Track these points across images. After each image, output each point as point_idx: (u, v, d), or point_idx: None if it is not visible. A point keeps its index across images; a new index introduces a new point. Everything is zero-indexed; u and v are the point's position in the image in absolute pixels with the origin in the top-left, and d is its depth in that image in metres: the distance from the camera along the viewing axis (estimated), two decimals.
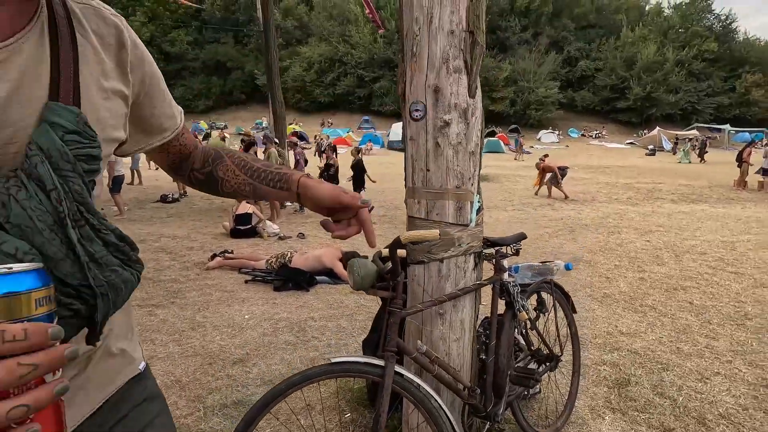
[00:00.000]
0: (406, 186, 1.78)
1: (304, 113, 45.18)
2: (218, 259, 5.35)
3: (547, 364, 2.05)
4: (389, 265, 1.41)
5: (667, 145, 30.46)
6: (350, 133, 33.34)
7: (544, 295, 2.07)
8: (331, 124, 39.90)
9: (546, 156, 11.93)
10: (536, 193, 11.31)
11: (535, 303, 2.07)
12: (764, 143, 17.49)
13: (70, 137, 0.48)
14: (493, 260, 1.86)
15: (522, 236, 1.91)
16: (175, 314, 3.80)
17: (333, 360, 1.33)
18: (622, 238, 6.70)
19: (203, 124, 33.10)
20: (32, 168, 0.45)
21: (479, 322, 1.97)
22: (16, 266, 0.35)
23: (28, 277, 0.36)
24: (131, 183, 12.29)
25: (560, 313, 2.22)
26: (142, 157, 13.07)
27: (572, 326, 2.28)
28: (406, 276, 1.73)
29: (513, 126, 39.87)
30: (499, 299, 1.83)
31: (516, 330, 1.90)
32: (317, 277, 4.72)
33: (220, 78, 48.45)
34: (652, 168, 19.78)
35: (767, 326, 3.35)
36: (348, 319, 3.60)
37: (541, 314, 2.03)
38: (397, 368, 1.36)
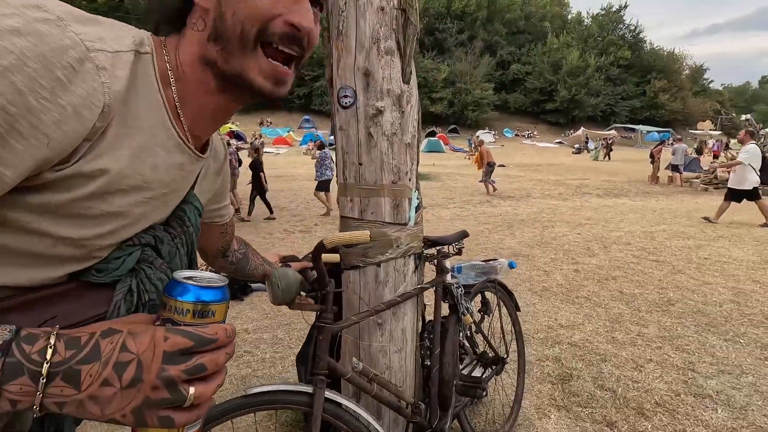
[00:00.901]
0: (338, 182, 1.59)
1: (241, 112, 43.30)
2: None
3: (493, 367, 1.95)
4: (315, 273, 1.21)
5: (591, 144, 32.93)
6: (291, 132, 32.46)
7: (488, 294, 1.98)
8: (270, 123, 38.58)
9: (482, 143, 12.38)
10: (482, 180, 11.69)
11: (479, 304, 1.97)
12: (669, 142, 19.44)
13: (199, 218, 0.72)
14: (435, 261, 1.72)
15: (464, 234, 1.80)
16: None
17: (250, 391, 1.11)
18: (556, 231, 6.99)
19: None
20: (188, 235, 0.68)
21: (423, 325, 1.83)
22: (223, 281, 0.51)
23: (226, 289, 0.50)
24: None
25: (504, 311, 2.15)
26: None
27: (516, 324, 2.22)
28: (339, 284, 1.54)
29: (452, 126, 41.06)
30: (442, 303, 1.70)
31: (461, 334, 1.78)
32: (252, 285, 4.40)
33: None
34: (578, 166, 21.21)
35: (687, 311, 3.56)
36: (285, 329, 3.34)
37: (485, 315, 1.93)
38: (329, 394, 1.16)
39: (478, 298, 1.96)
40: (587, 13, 59.39)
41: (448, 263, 1.74)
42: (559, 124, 48.59)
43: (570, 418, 2.14)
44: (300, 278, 1.21)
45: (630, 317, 3.44)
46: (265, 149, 16.43)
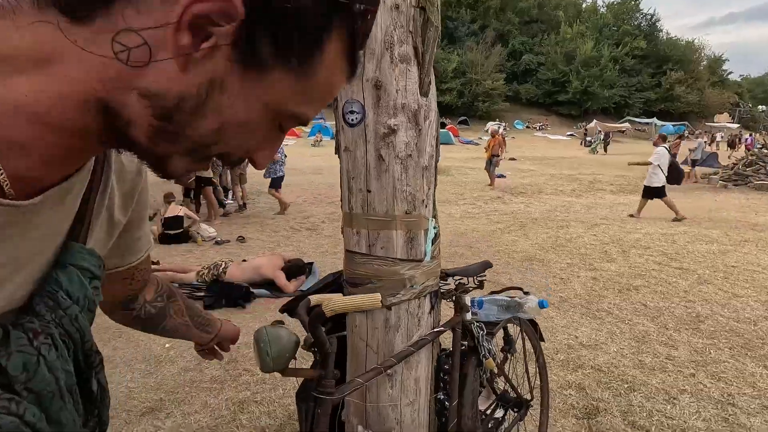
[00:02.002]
0: (342, 210, 1.37)
1: None
2: None
3: (515, 410, 1.74)
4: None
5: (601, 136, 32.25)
6: None
7: (510, 328, 1.76)
8: None
9: (495, 133, 12.10)
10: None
11: (500, 340, 1.75)
12: (686, 135, 18.95)
13: (94, 283, 0.48)
14: (453, 297, 1.50)
15: (486, 265, 1.57)
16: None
17: None
18: (571, 232, 6.72)
19: None
20: (69, 322, 0.44)
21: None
22: None
23: None
24: None
25: (527, 344, 1.93)
26: None
27: (540, 357, 2.00)
28: (342, 327, 1.34)
29: (462, 117, 40.46)
30: (458, 349, 1.48)
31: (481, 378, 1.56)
32: (255, 291, 4.22)
33: None
34: (591, 159, 20.73)
35: (719, 329, 3.31)
36: None
37: (508, 355, 1.72)
38: None
39: (500, 333, 1.74)
40: (602, 2, 57.83)
41: (467, 298, 1.52)
42: (572, 116, 47.67)
43: None
44: (296, 340, 1.00)
45: (657, 336, 3.20)
46: None
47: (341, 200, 1.37)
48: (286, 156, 8.27)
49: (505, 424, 1.69)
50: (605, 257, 5.42)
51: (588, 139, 29.14)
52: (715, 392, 2.46)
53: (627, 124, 36.00)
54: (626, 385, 2.53)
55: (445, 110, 41.47)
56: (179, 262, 5.13)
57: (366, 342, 1.34)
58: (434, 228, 1.37)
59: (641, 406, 2.33)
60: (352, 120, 1.21)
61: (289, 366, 1.00)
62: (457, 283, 1.51)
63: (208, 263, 4.07)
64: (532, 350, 1.94)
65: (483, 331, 1.53)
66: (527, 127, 42.80)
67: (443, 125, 29.71)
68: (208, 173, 7.34)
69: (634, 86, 49.00)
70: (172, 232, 6.24)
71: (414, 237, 1.30)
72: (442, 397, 1.87)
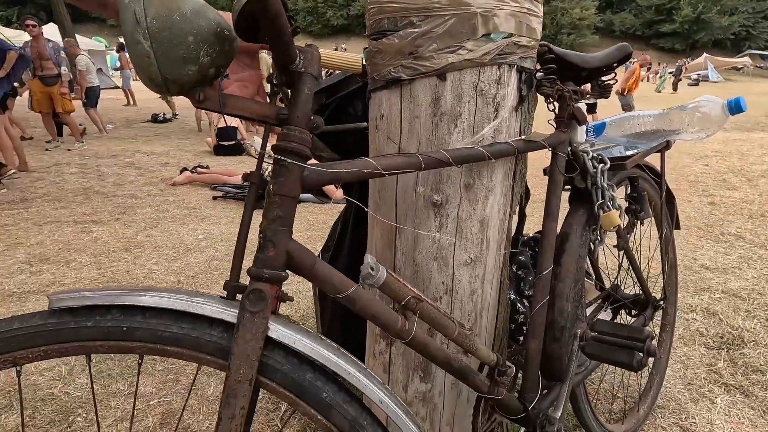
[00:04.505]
0: None
1: (317, 38, 42.15)
2: (187, 173, 4.51)
3: (636, 312, 1.12)
4: None
5: (713, 75, 27.38)
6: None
7: (640, 186, 1.09)
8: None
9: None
10: None
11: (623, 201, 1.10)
12: None
13: None
14: (555, 98, 0.86)
15: (624, 50, 0.89)
16: (113, 232, 3.00)
17: (60, 304, 0.41)
18: (674, 162, 5.56)
19: None
20: None
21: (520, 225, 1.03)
22: None
23: None
24: (126, 104, 11.50)
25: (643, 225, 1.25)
26: (133, 74, 11.98)
27: (670, 249, 1.32)
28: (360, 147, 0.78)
29: None
30: (560, 185, 0.86)
31: (591, 246, 0.94)
32: (302, 196, 3.86)
33: None
34: (695, 97, 17.69)
35: None
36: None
37: (635, 222, 1.06)
38: (277, 326, 0.43)
39: (622, 190, 1.08)
40: None
41: (582, 107, 0.87)
42: (675, 50, 41.04)
43: (753, 408, 1.28)
44: (220, 21, 0.44)
45: None
46: None
47: None
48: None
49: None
50: (724, 185, 4.35)
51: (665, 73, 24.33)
52: None
53: (747, 59, 30.25)
54: None
55: None
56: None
57: (398, 143, 0.76)
58: None
59: None
60: None
61: (209, 85, 0.46)
62: (567, 75, 0.86)
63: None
64: (660, 232, 1.27)
65: (603, 164, 0.89)
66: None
67: None
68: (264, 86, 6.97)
69: (762, 12, 40.58)
70: (225, 143, 6.03)
71: None
72: (513, 297, 1.29)
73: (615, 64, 0.91)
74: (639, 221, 1.05)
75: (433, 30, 0.68)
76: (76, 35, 12.04)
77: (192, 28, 0.41)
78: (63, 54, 6.34)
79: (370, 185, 0.86)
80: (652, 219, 1.24)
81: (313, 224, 3.24)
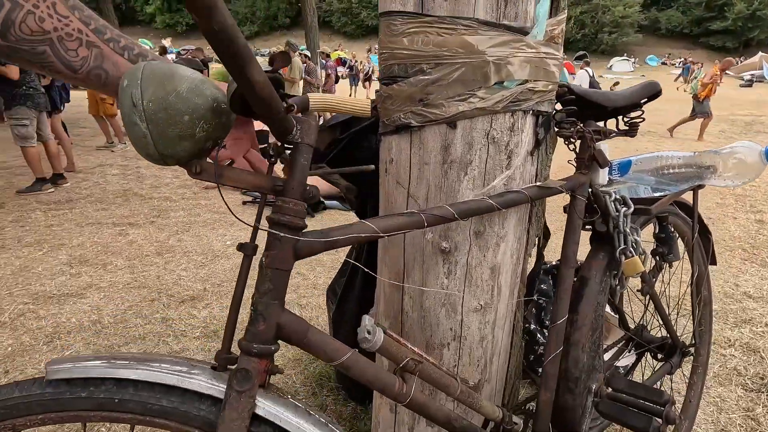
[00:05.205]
0: None
1: (351, 39, 42.49)
2: None
3: (659, 357, 1.06)
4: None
5: (696, 72, 25.24)
6: None
7: (671, 224, 1.02)
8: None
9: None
10: None
11: (648, 242, 1.04)
12: None
13: None
14: (575, 139, 0.82)
15: (653, 88, 0.84)
16: (147, 236, 3.13)
17: (56, 375, 0.42)
18: None
19: None
20: None
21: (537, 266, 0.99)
22: None
23: None
24: None
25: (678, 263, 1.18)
26: None
27: (705, 287, 1.24)
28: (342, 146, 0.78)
29: (580, 52, 35.31)
30: (578, 230, 0.82)
31: (612, 291, 0.90)
32: (327, 202, 3.92)
33: (264, 0, 46.19)
34: (748, 100, 16.61)
35: None
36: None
37: (664, 264, 1.00)
38: (265, 403, 0.43)
39: (649, 229, 1.02)
40: None
41: (605, 148, 0.83)
42: (726, 49, 38.69)
43: None
44: (211, 94, 0.44)
45: None
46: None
47: None
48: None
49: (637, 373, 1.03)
50: None
51: (698, 73, 22.40)
52: None
53: None
54: None
55: None
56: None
57: (407, 188, 0.75)
58: None
59: None
60: None
61: (206, 157, 0.46)
62: (587, 113, 0.82)
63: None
64: (692, 272, 1.19)
65: (626, 208, 0.84)
66: (663, 63, 35.98)
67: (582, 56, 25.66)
68: (296, 91, 7.10)
69: None
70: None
71: None
72: (533, 327, 1.25)
73: (644, 101, 0.86)
74: (667, 262, 0.99)
75: (443, 78, 0.67)
76: None
77: (188, 107, 0.41)
78: None
79: None
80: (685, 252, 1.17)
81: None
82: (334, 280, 1.39)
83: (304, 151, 0.47)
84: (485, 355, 0.83)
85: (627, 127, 0.88)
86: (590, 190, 0.84)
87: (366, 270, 0.73)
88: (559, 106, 0.82)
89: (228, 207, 0.48)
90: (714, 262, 1.24)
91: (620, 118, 0.88)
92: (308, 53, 8.32)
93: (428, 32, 0.66)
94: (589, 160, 0.82)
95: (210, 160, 0.47)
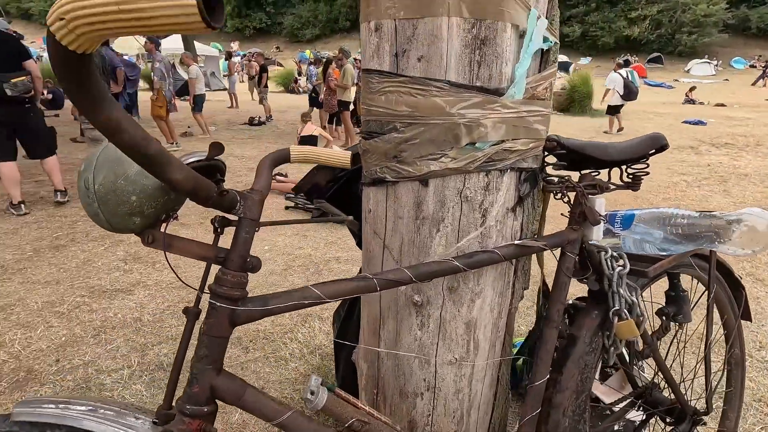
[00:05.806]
0: None
1: (358, 34, 42.57)
2: None
3: (670, 422, 0.98)
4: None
5: None
6: None
7: (680, 283, 0.94)
8: None
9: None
10: None
11: (649, 300, 0.96)
12: None
13: None
14: (564, 193, 0.79)
15: (656, 141, 0.78)
16: (195, 236, 3.35)
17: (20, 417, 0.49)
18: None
19: (308, 53, 32.88)
20: None
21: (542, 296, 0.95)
22: None
23: None
24: (230, 106, 12.65)
25: (706, 314, 1.07)
26: (239, 78, 13.17)
27: (736, 344, 1.13)
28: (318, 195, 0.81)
29: (654, 54, 32.90)
30: (565, 289, 0.78)
31: (606, 352, 0.85)
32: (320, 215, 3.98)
33: (326, 4, 47.59)
34: None
35: None
36: None
37: (672, 325, 0.93)
38: None
39: (658, 284, 0.95)
40: None
41: (600, 203, 0.79)
42: None
43: None
44: (156, 184, 0.49)
45: None
46: None
47: None
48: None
49: None
50: None
51: None
52: None
53: None
54: None
55: (632, 45, 34.39)
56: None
57: (383, 239, 0.76)
58: (548, 39, 0.66)
59: None
60: None
61: (160, 226, 0.51)
62: (584, 170, 0.78)
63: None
64: (722, 329, 1.09)
65: (621, 267, 0.79)
66: (752, 66, 32.57)
67: (627, 63, 24.17)
68: (348, 96, 7.24)
69: None
70: None
71: (486, 39, 0.63)
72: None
73: (649, 153, 0.80)
74: (677, 322, 0.92)
75: (415, 137, 0.67)
76: (195, 42, 13.53)
77: (135, 188, 0.46)
78: (171, 63, 7.27)
79: (362, 267, 0.86)
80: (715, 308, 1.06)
81: (334, 242, 3.27)
82: (341, 303, 1.42)
83: (246, 225, 0.50)
84: (461, 407, 0.82)
85: (630, 179, 0.83)
86: (582, 244, 0.80)
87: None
88: (553, 159, 0.79)
89: (174, 272, 0.52)
90: (748, 318, 1.12)
91: (624, 168, 0.83)
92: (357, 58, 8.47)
93: (401, 92, 0.67)
94: (580, 216, 0.78)
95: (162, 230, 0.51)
